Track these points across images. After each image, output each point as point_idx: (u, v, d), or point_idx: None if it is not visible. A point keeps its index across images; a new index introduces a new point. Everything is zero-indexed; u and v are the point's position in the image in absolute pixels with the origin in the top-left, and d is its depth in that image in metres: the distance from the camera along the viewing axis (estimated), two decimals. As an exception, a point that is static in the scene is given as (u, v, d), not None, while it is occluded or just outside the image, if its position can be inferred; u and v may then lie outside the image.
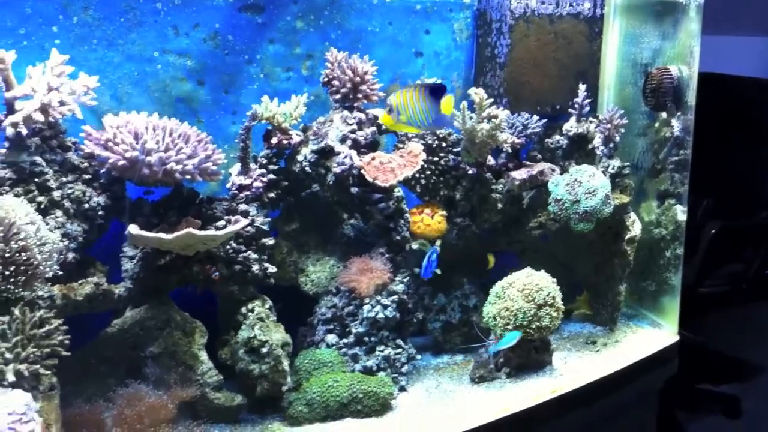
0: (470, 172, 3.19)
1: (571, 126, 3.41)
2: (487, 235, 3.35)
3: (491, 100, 3.06)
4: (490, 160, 3.24)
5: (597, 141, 3.39)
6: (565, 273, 3.27)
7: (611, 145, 3.40)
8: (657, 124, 3.62)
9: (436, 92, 2.57)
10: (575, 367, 3.09)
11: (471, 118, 3.04)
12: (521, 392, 2.86)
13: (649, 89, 3.52)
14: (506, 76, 3.42)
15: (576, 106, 3.39)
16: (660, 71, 3.47)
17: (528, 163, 3.37)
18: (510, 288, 2.96)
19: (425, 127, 2.60)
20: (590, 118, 3.45)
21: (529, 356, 3.02)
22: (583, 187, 3.11)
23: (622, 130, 3.41)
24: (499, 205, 3.26)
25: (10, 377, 2.15)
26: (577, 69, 3.55)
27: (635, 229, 3.39)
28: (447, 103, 2.59)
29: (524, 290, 2.94)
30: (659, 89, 3.47)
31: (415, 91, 2.55)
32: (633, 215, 3.43)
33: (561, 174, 3.26)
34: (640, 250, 3.44)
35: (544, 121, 3.38)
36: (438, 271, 2.99)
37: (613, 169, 3.37)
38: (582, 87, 3.38)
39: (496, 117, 3.04)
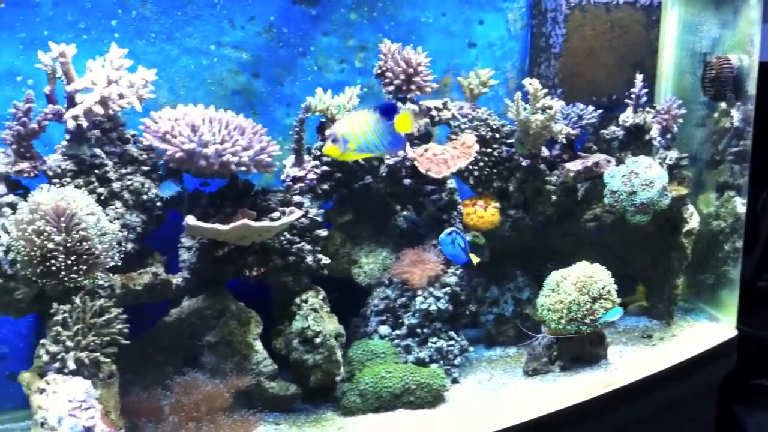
0: (524, 163, 3.16)
1: (627, 116, 3.36)
2: (541, 228, 3.32)
3: (546, 90, 3.03)
4: (545, 152, 3.21)
5: (654, 132, 3.33)
6: (621, 266, 3.22)
7: (669, 135, 3.34)
8: (716, 115, 3.54)
9: (387, 112, 2.32)
10: (630, 361, 3.05)
11: (525, 109, 3.01)
12: (575, 386, 2.84)
13: (708, 79, 3.45)
14: (561, 66, 3.38)
15: (633, 96, 3.34)
16: (719, 60, 3.39)
17: (583, 154, 3.33)
18: (564, 281, 2.94)
19: (380, 151, 2.37)
20: (647, 109, 3.39)
21: (584, 349, 2.99)
22: (640, 178, 3.06)
23: (680, 121, 3.34)
24: (554, 197, 3.23)
25: (71, 365, 2.21)
26: (634, 58, 3.50)
27: (693, 221, 3.33)
28: (402, 121, 2.33)
29: (579, 283, 2.91)
30: (718, 79, 3.39)
31: (361, 116, 2.32)
32: (691, 207, 3.36)
33: (617, 165, 3.21)
34: (698, 242, 3.37)
35: (600, 111, 3.33)
36: (475, 257, 2.84)
37: (670, 160, 3.31)
38: (639, 77, 3.33)
39: (550, 108, 3.01)
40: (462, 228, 3.00)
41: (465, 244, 2.77)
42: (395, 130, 2.32)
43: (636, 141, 3.38)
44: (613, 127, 3.42)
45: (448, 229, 2.78)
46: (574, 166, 3.21)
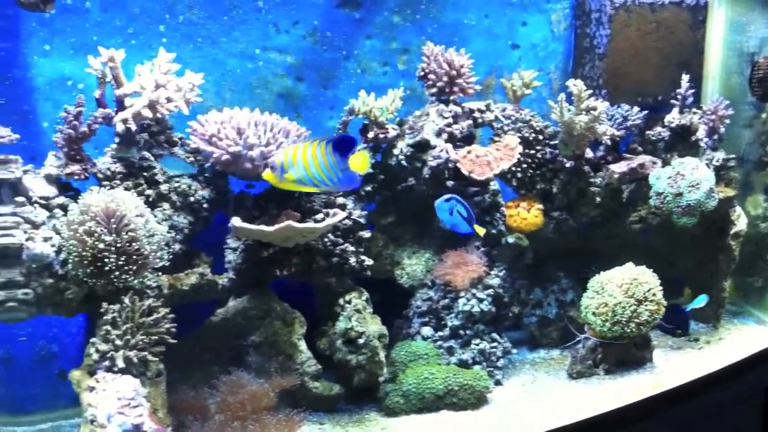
0: (568, 165, 3.14)
1: (673, 117, 3.32)
2: (585, 229, 3.30)
3: (590, 91, 3.02)
4: (589, 153, 3.19)
5: (701, 133, 3.29)
6: (667, 269, 3.18)
7: (716, 136, 3.29)
8: (764, 115, 3.49)
9: (342, 147, 2.17)
10: (676, 365, 3.01)
11: (569, 110, 3.00)
12: (620, 389, 2.81)
13: (756, 79, 3.39)
14: (606, 66, 3.35)
15: (679, 96, 3.30)
16: (767, 60, 3.34)
17: (628, 155, 3.29)
18: (609, 283, 2.91)
19: (326, 187, 2.21)
20: (694, 109, 3.35)
21: (629, 353, 2.96)
22: (686, 180, 3.02)
23: (727, 122, 3.30)
24: (598, 199, 3.21)
25: (120, 363, 2.26)
26: (680, 59, 3.45)
27: (741, 223, 3.28)
28: (360, 161, 2.18)
29: (624, 285, 2.88)
30: (767, 79, 3.33)
31: (313, 146, 2.16)
32: (738, 209, 3.31)
33: (663, 167, 3.17)
34: (745, 245, 3.32)
35: (645, 112, 3.30)
36: (481, 228, 2.72)
37: (717, 161, 3.26)
38: (685, 77, 3.29)
39: (595, 109, 2.99)
40: (505, 230, 3.00)
41: (468, 213, 2.66)
42: (349, 168, 2.14)
43: (682, 142, 3.34)
44: (658, 128, 3.38)
45: (446, 195, 2.66)
46: (619, 167, 3.18)
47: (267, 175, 2.21)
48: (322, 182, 2.15)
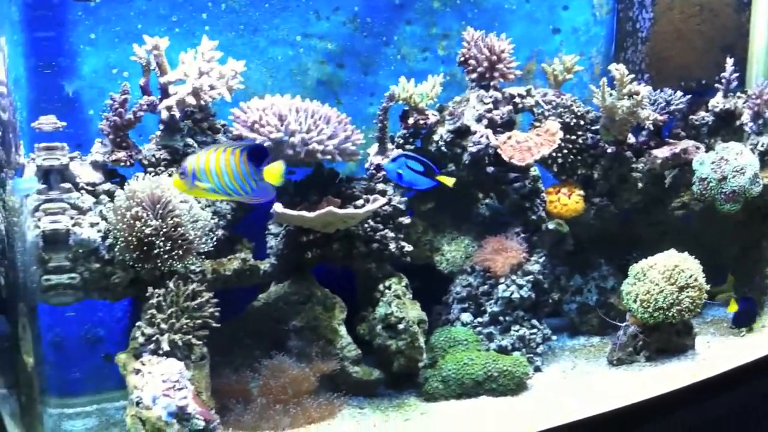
0: (609, 150, 3.12)
1: (717, 102, 3.27)
2: (627, 216, 3.28)
3: (632, 75, 2.98)
4: (631, 138, 3.16)
5: (745, 117, 3.23)
6: (709, 255, 3.14)
7: (760, 121, 3.23)
8: (812, 99, 3.41)
9: (256, 156, 2.06)
10: (718, 352, 2.98)
11: (611, 94, 2.97)
12: (661, 376, 2.79)
13: (803, 62, 3.33)
14: (648, 50, 3.32)
15: (723, 80, 3.25)
16: (816, 43, 3.27)
17: (671, 140, 3.26)
18: (651, 269, 2.89)
19: (239, 197, 2.09)
20: (738, 93, 3.29)
21: (670, 340, 2.93)
22: (730, 165, 2.98)
23: (773, 106, 3.24)
24: (640, 185, 3.18)
25: (165, 346, 2.30)
26: (724, 42, 3.40)
27: (786, 209, 3.22)
28: (275, 172, 2.06)
29: (665, 272, 2.85)
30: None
31: (226, 154, 2.02)
32: (784, 195, 3.26)
33: (706, 152, 3.13)
34: (791, 232, 3.27)
35: (689, 97, 3.26)
36: (448, 178, 2.65)
37: (762, 146, 3.20)
38: (729, 61, 3.23)
39: (637, 93, 2.96)
40: (545, 216, 2.98)
41: (426, 166, 2.57)
42: (263, 178, 2.05)
43: (726, 127, 3.29)
44: (702, 113, 3.33)
45: (393, 155, 2.58)
46: (662, 152, 3.15)
47: (176, 182, 2.07)
48: (235, 191, 2.05)
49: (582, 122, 3.12)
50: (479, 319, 2.94)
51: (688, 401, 2.73)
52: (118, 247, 2.32)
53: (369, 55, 3.08)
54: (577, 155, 3.13)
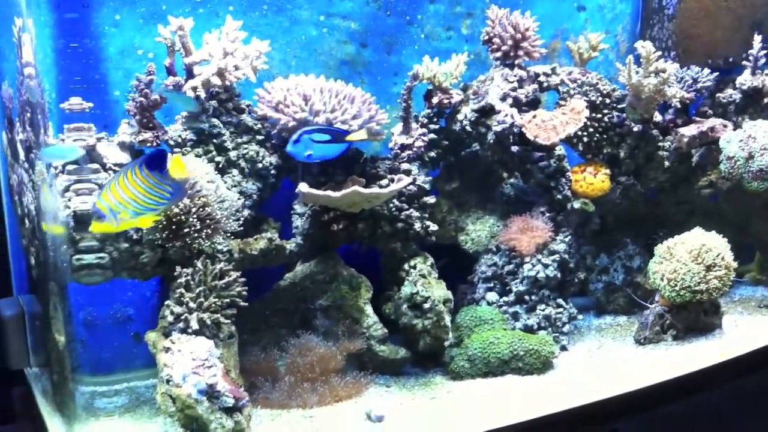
0: (636, 129, 3.09)
1: (745, 79, 3.23)
2: (653, 195, 3.25)
3: (659, 53, 2.95)
4: (657, 117, 3.13)
5: (774, 94, 3.20)
6: (737, 234, 3.12)
7: (789, 98, 3.20)
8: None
9: (155, 164, 2.05)
10: (746, 332, 2.95)
11: (637, 72, 2.94)
12: (688, 355, 2.78)
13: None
14: (675, 28, 3.28)
15: (751, 58, 3.21)
16: None
17: (698, 119, 3.22)
18: (677, 248, 2.87)
19: (163, 206, 2.10)
20: (766, 71, 3.25)
21: (698, 319, 2.92)
22: (758, 143, 2.95)
23: (803, 83, 3.20)
24: (666, 163, 3.15)
25: (194, 325, 2.33)
26: (753, 18, 3.35)
27: (815, 187, 3.18)
28: (176, 164, 2.08)
29: (693, 251, 2.83)
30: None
31: (129, 177, 2.00)
32: (813, 173, 3.22)
33: (734, 130, 3.10)
34: (820, 210, 3.23)
35: (716, 74, 3.22)
36: (359, 134, 2.59)
37: (791, 124, 3.17)
38: (757, 38, 3.19)
39: (664, 71, 2.93)
40: (571, 195, 2.97)
41: (330, 132, 2.53)
42: (172, 178, 2.07)
43: (754, 105, 3.25)
44: (729, 91, 3.30)
45: (293, 137, 2.51)
46: (689, 131, 3.12)
47: (96, 226, 2.04)
48: (158, 204, 2.06)
49: (608, 100, 3.10)
50: (505, 299, 2.94)
51: (715, 380, 2.72)
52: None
53: (392, 34, 3.07)
54: (603, 134, 3.11)
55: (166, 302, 2.38)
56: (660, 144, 3.15)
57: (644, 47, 2.93)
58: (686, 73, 3.21)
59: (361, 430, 2.34)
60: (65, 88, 2.49)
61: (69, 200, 2.31)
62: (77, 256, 2.32)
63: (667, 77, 2.94)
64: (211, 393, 2.16)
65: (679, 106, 3.15)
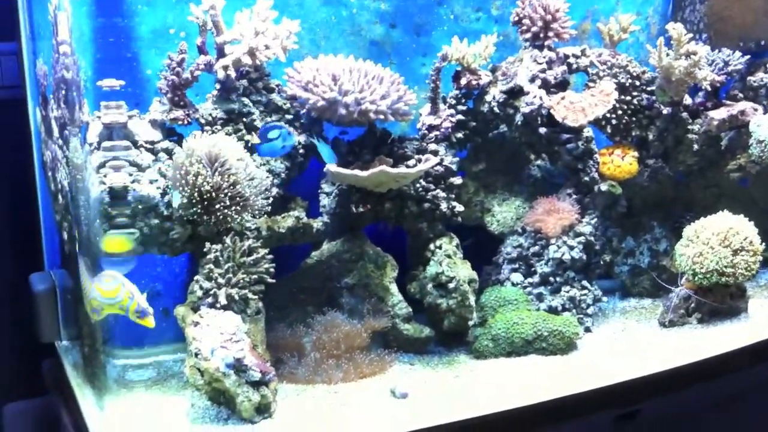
0: (665, 111, 3.08)
1: (777, 62, 3.20)
2: (681, 178, 3.24)
3: (690, 35, 2.93)
4: (687, 99, 3.11)
5: (806, 78, 3.17)
6: (765, 219, 3.09)
7: (822, 83, 3.16)
8: None
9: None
10: (772, 316, 2.95)
11: (668, 54, 2.92)
12: (713, 338, 2.78)
13: None
14: (707, 10, 3.25)
15: (784, 41, 3.18)
16: None
17: (728, 102, 3.20)
18: (704, 231, 2.86)
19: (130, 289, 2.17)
20: (799, 54, 3.22)
21: (724, 302, 2.91)
22: (789, 127, 2.92)
23: (836, 67, 3.16)
24: (695, 147, 3.13)
25: (222, 300, 2.37)
26: (786, 1, 3.31)
27: None
28: (114, 242, 2.22)
29: (720, 234, 2.82)
30: None
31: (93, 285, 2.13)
32: None
33: (764, 114, 3.07)
34: None
35: (747, 57, 3.19)
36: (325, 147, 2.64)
37: (823, 108, 3.14)
38: (791, 21, 3.16)
39: (695, 53, 2.91)
40: (598, 177, 2.97)
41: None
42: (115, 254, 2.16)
43: (786, 89, 3.22)
44: (761, 74, 3.27)
45: (255, 136, 2.55)
46: (719, 114, 3.10)
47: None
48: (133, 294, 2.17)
49: (637, 83, 3.08)
50: (530, 280, 2.95)
51: (740, 364, 2.72)
52: (180, 203, 2.38)
53: (421, 15, 3.07)
54: (632, 116, 3.10)
55: (196, 277, 2.42)
56: (689, 127, 3.13)
57: (675, 29, 2.91)
58: (717, 56, 3.18)
59: (386, 406, 2.37)
60: (101, 66, 2.52)
61: (105, 176, 2.35)
62: (112, 232, 2.36)
63: (698, 60, 2.92)
64: (238, 367, 2.20)
65: (709, 89, 3.12)
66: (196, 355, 2.25)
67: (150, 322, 2.18)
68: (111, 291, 2.15)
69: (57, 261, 2.79)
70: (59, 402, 2.57)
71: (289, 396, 2.42)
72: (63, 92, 2.30)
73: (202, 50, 2.60)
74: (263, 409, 2.24)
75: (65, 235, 2.52)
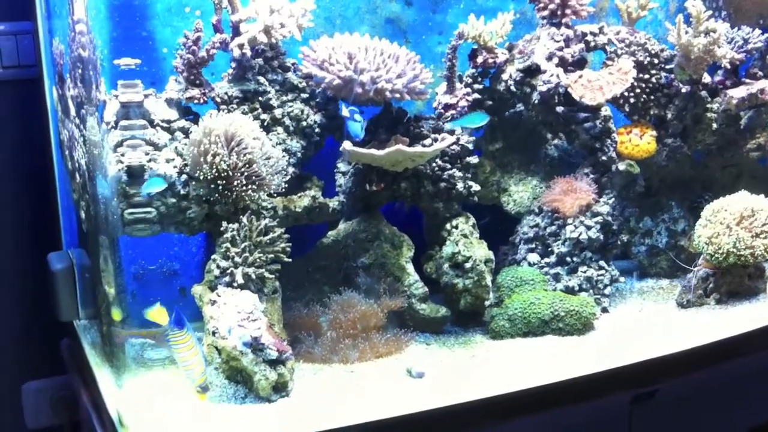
0: (684, 90, 3.04)
1: (797, 40, 3.16)
2: (700, 157, 3.21)
3: (709, 12, 2.90)
4: (706, 78, 3.08)
5: (828, 56, 3.12)
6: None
7: (843, 60, 3.12)
8: None
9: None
10: (791, 297, 2.93)
11: (687, 32, 2.89)
12: (731, 319, 2.76)
13: None
14: (727, -13, 3.20)
15: (805, 18, 3.13)
16: None
17: (747, 80, 3.16)
18: (723, 211, 2.83)
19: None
20: (821, 32, 3.17)
21: (742, 283, 2.89)
22: (811, 105, 2.89)
23: None
24: (714, 125, 3.10)
25: (239, 279, 2.37)
26: (808, -23, 3.26)
27: None
28: (155, 313, 2.19)
29: (739, 214, 2.80)
30: None
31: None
32: None
33: (785, 92, 3.04)
34: None
35: (767, 35, 3.14)
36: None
37: None
38: (813, -3, 3.11)
39: (714, 31, 2.88)
40: (616, 157, 2.94)
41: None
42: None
43: (806, 67, 3.18)
44: (781, 52, 3.23)
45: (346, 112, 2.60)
46: (738, 92, 3.06)
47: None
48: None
49: (656, 61, 3.05)
50: (546, 260, 2.94)
51: (759, 344, 2.70)
52: (196, 181, 2.39)
53: (438, -8, 3.06)
54: (650, 95, 3.07)
55: (213, 256, 2.43)
56: (708, 106, 3.10)
57: (695, 6, 2.87)
58: (737, 33, 3.14)
59: (402, 385, 2.37)
60: (117, 44, 2.52)
61: (122, 155, 2.35)
62: (130, 210, 2.37)
63: (718, 37, 2.89)
64: (255, 346, 2.20)
65: (728, 67, 3.08)
66: (214, 333, 2.26)
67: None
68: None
69: (74, 240, 2.80)
70: (78, 380, 2.59)
71: (306, 375, 2.43)
72: (79, 71, 2.29)
73: (217, 29, 2.59)
74: (280, 388, 2.24)
75: (82, 214, 2.53)
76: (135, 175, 2.36)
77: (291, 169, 2.62)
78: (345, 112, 2.61)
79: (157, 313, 2.19)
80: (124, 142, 2.37)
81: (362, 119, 2.63)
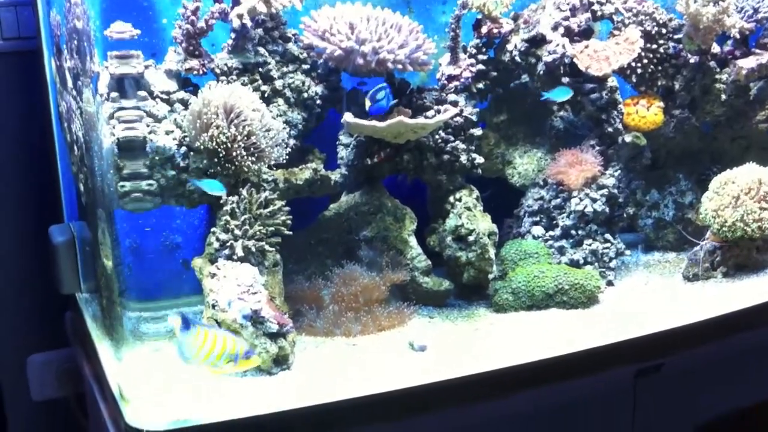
0: (692, 60, 2.99)
1: (810, 9, 3.09)
2: (708, 129, 3.16)
3: (719, -19, 2.84)
4: (715, 48, 3.02)
5: (840, 25, 3.06)
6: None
7: None
8: None
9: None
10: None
11: (695, 1, 2.83)
12: (739, 292, 2.73)
13: None
14: (737, -46, 3.13)
15: (817, -14, 3.07)
16: None
17: (757, 51, 3.10)
18: (730, 183, 2.80)
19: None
20: (833, 0, 3.11)
21: (750, 256, 2.86)
22: (822, 76, 2.84)
23: None
24: (723, 97, 3.05)
25: (239, 252, 2.36)
26: (822, -56, 3.19)
27: None
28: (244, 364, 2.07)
29: (747, 186, 2.76)
30: None
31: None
32: None
33: (796, 62, 2.98)
34: None
35: (779, 4, 3.09)
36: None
37: None
38: (825, -36, 3.04)
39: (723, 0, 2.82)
40: (622, 128, 2.90)
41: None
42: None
43: (819, 36, 3.12)
44: (793, 21, 3.17)
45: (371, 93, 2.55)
46: (747, 63, 3.01)
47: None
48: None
49: (664, 30, 2.99)
50: (551, 233, 2.91)
51: (765, 318, 2.68)
52: (195, 153, 2.37)
53: (442, -39, 3.00)
54: (658, 65, 3.02)
55: (213, 229, 2.41)
56: (717, 76, 3.04)
57: (704, -26, 2.82)
58: (746, 2, 3.07)
59: (404, 358, 2.36)
60: (116, 15, 2.49)
61: (114, 127, 2.33)
62: (122, 183, 2.35)
63: (727, 6, 2.83)
64: (255, 318, 2.19)
65: (738, 36, 3.03)
66: (214, 306, 2.25)
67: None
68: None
69: (75, 213, 2.79)
70: (80, 353, 2.59)
71: (308, 348, 2.42)
72: (75, 42, 2.26)
73: (217, -1, 2.55)
74: (281, 361, 2.24)
75: (81, 187, 2.51)
76: (127, 148, 2.33)
77: (292, 141, 2.59)
78: (367, 102, 2.55)
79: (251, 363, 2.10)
80: (115, 114, 2.33)
81: (385, 93, 2.57)
